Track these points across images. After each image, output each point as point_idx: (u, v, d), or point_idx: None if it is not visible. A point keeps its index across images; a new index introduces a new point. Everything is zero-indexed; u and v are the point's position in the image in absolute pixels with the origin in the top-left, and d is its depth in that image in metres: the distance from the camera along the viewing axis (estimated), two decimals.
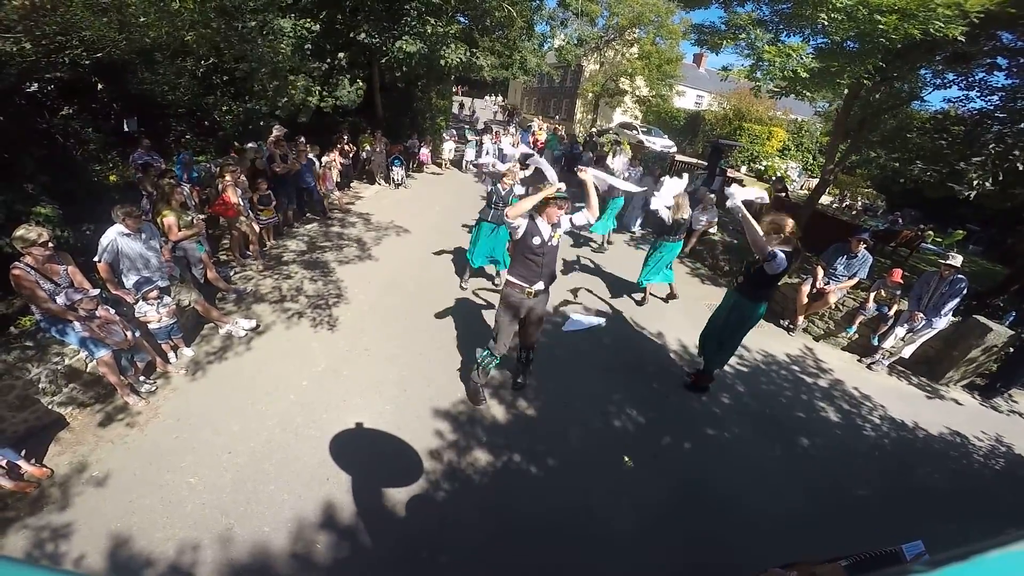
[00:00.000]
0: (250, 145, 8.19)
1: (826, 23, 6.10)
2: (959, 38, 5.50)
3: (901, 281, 5.93)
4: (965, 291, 5.39)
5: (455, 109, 27.64)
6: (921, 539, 1.73)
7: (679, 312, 6.51)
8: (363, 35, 10.76)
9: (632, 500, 3.43)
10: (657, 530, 3.24)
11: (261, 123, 10.12)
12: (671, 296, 6.79)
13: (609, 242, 8.81)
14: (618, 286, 7.15)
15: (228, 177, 5.94)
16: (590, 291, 6.81)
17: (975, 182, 6.37)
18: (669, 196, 6.05)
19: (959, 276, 5.41)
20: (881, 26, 5.57)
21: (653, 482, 3.63)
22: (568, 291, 6.62)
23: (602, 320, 5.95)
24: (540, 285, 3.72)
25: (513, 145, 16.25)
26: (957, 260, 5.46)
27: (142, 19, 6.16)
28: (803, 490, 3.80)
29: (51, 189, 4.94)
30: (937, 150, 7.26)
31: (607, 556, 3.02)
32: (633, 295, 6.83)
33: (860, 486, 3.95)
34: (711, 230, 9.03)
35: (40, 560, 2.63)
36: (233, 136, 9.31)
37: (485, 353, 4.01)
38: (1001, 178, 6.27)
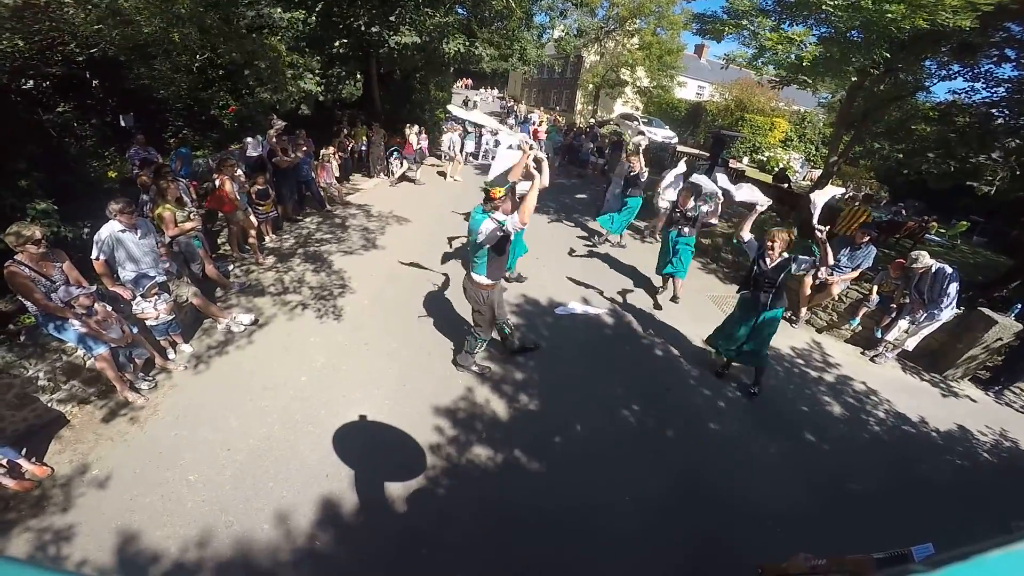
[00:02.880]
0: (248, 140, 8.13)
1: (831, 10, 6.00)
2: (968, 27, 5.41)
3: (903, 272, 5.88)
4: (956, 280, 5.29)
5: (459, 102, 27.38)
6: (931, 542, 1.71)
7: (681, 305, 6.48)
8: (361, 26, 10.64)
9: (634, 495, 3.42)
10: (659, 525, 3.23)
11: (260, 117, 10.05)
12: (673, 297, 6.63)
13: (622, 245, 8.66)
14: (627, 282, 7.12)
15: (225, 171, 5.90)
16: (599, 290, 6.76)
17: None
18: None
19: (942, 267, 5.32)
20: (889, 15, 5.48)
21: (655, 477, 3.62)
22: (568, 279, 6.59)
23: (599, 310, 5.94)
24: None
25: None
26: (925, 260, 5.38)
27: (136, 16, 6.10)
28: (806, 484, 3.78)
29: (47, 185, 4.92)
30: (944, 141, 7.18)
31: (609, 551, 3.01)
32: (629, 292, 6.80)
33: (863, 480, 3.93)
34: (713, 221, 8.95)
35: (42, 560, 2.63)
36: (231, 131, 9.26)
37: (481, 341, 4.26)
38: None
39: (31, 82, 6.55)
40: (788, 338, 6.11)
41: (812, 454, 4.15)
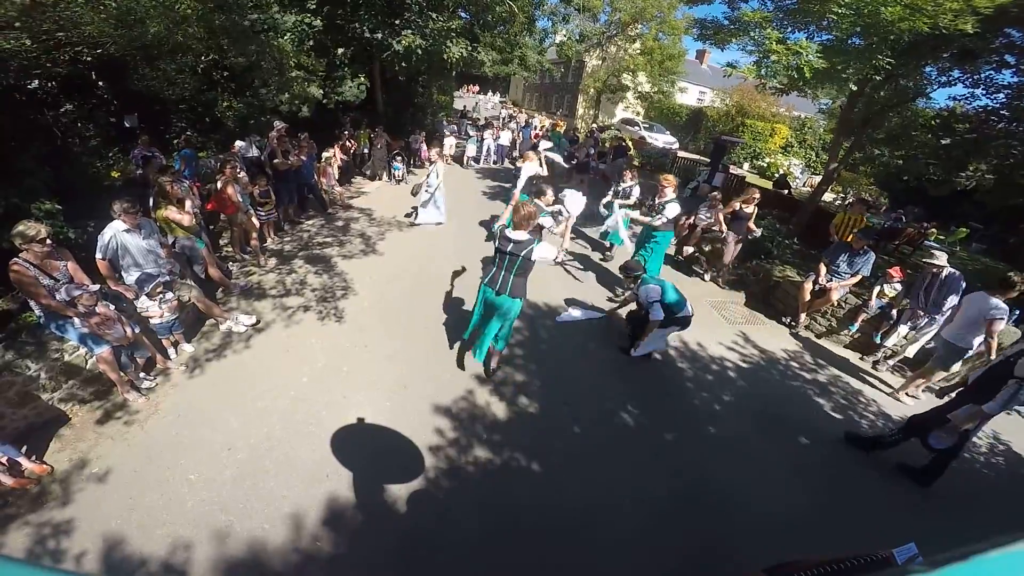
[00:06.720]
0: (239, 142, 8.18)
1: (836, 18, 6.04)
2: (970, 31, 5.44)
3: (903, 277, 5.89)
4: (963, 287, 5.30)
5: (459, 106, 27.38)
6: (913, 541, 1.68)
7: None
8: (365, 30, 10.72)
9: (633, 498, 3.42)
10: (658, 528, 3.23)
11: (263, 118, 10.09)
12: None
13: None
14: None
15: (227, 173, 5.92)
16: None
17: (977, 174, 6.36)
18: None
19: (953, 272, 5.32)
20: (885, 17, 5.50)
21: (654, 480, 3.62)
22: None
23: (599, 314, 5.95)
24: None
25: (512, 140, 16.23)
26: (942, 258, 5.35)
27: (142, 15, 6.13)
28: (804, 489, 3.78)
29: (52, 185, 4.94)
30: (943, 148, 7.21)
31: (608, 554, 3.01)
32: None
33: (861, 484, 3.94)
34: (715, 228, 8.97)
35: (41, 557, 2.63)
36: (234, 132, 9.30)
37: None
38: (1006, 172, 6.26)
39: (36, 81, 6.58)
40: (787, 343, 6.13)
41: (811, 458, 4.15)
